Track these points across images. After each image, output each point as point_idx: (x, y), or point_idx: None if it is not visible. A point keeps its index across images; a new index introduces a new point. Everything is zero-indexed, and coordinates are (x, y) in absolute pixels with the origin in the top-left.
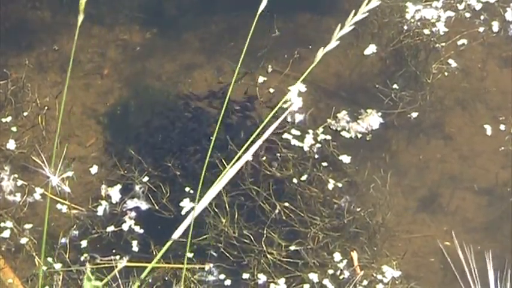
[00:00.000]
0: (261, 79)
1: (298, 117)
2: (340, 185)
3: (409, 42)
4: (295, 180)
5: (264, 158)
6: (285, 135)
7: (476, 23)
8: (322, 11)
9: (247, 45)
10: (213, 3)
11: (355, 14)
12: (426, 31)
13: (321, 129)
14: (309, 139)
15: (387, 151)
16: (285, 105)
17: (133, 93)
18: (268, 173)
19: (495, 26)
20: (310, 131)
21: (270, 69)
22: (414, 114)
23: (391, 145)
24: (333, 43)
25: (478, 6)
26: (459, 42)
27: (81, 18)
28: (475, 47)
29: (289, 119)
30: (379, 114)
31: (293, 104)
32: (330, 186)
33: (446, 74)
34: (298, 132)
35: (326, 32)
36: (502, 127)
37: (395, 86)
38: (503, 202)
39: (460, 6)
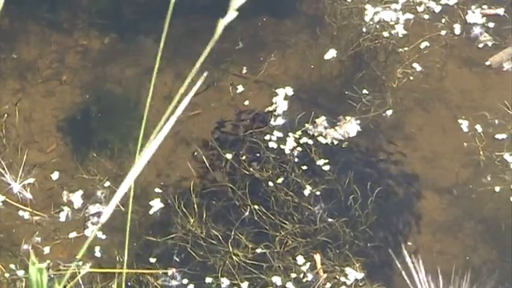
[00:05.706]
0: (229, 84)
1: (278, 121)
2: (309, 186)
3: (368, 45)
4: (271, 183)
5: (244, 158)
6: (267, 137)
7: (438, 26)
8: (280, 14)
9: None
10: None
11: None
12: (385, 33)
13: (298, 134)
14: (290, 142)
15: (358, 154)
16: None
17: (93, 98)
18: (247, 172)
19: (457, 28)
20: (290, 134)
21: (244, 71)
22: (381, 118)
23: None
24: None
25: (438, 9)
26: (422, 46)
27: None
28: (438, 50)
29: (272, 122)
30: (354, 120)
31: (278, 106)
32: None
33: (411, 78)
34: (280, 134)
35: (285, 34)
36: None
37: (364, 91)
38: (465, 200)
39: (420, 9)
